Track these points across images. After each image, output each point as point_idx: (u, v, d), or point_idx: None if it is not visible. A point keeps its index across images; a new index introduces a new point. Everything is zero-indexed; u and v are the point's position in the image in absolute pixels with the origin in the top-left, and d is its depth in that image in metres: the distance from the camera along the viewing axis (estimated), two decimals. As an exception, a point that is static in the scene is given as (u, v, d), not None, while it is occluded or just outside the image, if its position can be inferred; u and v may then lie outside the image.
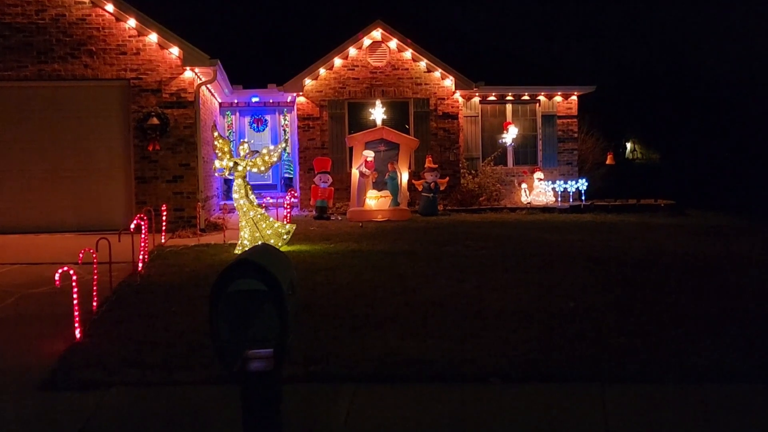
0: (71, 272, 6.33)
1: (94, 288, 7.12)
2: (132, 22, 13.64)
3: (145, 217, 9.98)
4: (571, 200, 20.16)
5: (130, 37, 13.75)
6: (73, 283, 6.31)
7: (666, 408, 4.76)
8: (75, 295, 6.29)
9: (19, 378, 5.38)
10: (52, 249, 11.51)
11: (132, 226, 9.43)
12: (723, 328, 6.46)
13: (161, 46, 13.80)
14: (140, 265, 9.47)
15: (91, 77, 13.75)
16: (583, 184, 20.14)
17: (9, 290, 8.33)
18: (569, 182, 20.26)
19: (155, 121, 13.69)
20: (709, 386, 5.10)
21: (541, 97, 21.08)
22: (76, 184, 13.85)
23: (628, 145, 37.64)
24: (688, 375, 5.32)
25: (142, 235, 9.66)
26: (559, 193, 20.24)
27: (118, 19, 13.68)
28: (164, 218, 12.56)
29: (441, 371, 5.40)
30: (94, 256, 7.16)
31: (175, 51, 13.77)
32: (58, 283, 6.36)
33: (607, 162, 23.45)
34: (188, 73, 13.92)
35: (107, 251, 7.87)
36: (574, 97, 21.28)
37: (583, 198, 20.07)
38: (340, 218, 16.89)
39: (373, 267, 9.74)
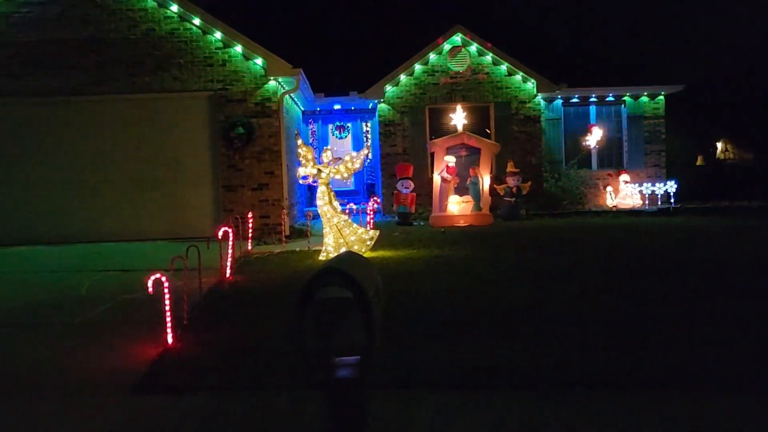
0: (163, 279, 6.48)
1: (185, 294, 7.27)
2: (218, 35, 13.97)
3: (231, 225, 10.16)
4: (659, 203, 19.56)
5: (216, 49, 14.09)
6: (165, 290, 6.45)
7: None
8: (167, 302, 6.43)
9: (113, 381, 5.52)
10: (145, 256, 11.86)
11: (220, 233, 9.60)
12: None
13: (246, 58, 14.08)
14: (228, 271, 9.64)
15: (179, 89, 14.14)
16: (672, 186, 19.48)
17: (105, 296, 8.61)
18: (657, 184, 19.64)
19: (241, 130, 13.97)
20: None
21: (627, 98, 20.54)
22: (165, 192, 14.25)
23: (719, 145, 36.19)
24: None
25: (230, 242, 9.84)
26: (647, 195, 19.67)
27: (204, 33, 14.04)
28: (250, 225, 12.79)
29: (526, 378, 5.28)
30: (184, 263, 7.31)
31: (259, 62, 14.02)
32: (151, 290, 6.52)
33: (697, 163, 22.66)
34: (272, 83, 14.15)
35: (196, 258, 8.03)
36: (661, 97, 20.63)
37: (672, 200, 19.41)
38: (422, 224, 16.86)
39: (455, 273, 9.65)
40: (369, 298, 3.24)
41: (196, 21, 13.93)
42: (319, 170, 11.16)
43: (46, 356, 6.29)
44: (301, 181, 11.72)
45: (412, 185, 17.38)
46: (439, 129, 19.20)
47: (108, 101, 14.14)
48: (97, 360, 6.09)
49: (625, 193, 19.82)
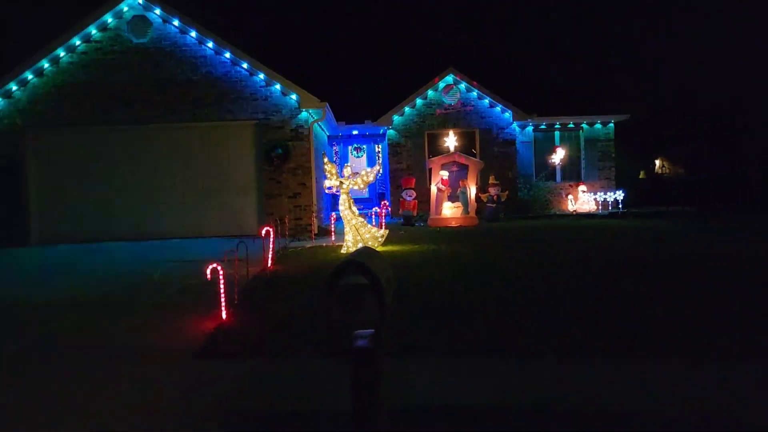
0: (219, 268, 6.50)
1: (235, 280, 7.28)
2: (262, 76, 14.00)
3: (272, 225, 10.17)
4: (610, 208, 19.46)
5: (260, 87, 14.13)
6: (220, 276, 6.47)
7: (684, 381, 4.47)
8: (222, 285, 6.45)
9: (180, 348, 5.54)
10: (204, 250, 11.90)
11: (263, 232, 9.62)
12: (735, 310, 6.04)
13: (283, 93, 14.11)
14: (269, 262, 9.65)
15: (231, 118, 14.20)
16: (620, 195, 19.41)
17: (174, 282, 8.65)
18: (608, 193, 19.58)
19: (279, 151, 14.01)
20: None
21: (584, 125, 20.46)
22: (220, 199, 14.30)
23: (657, 162, 36.00)
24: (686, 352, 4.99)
25: (270, 239, 9.85)
26: (600, 202, 19.59)
27: (251, 74, 14.08)
28: (287, 225, 12.80)
29: (506, 348, 5.25)
30: (235, 255, 7.32)
31: (294, 97, 14.05)
32: (209, 277, 6.54)
33: (640, 176, 22.55)
34: (304, 113, 14.17)
35: (245, 251, 8.05)
36: (611, 124, 20.54)
37: (620, 206, 19.32)
38: (422, 224, 16.83)
39: (449, 264, 9.62)
40: (382, 285, 3.23)
41: (245, 65, 13.97)
42: (341, 182, 11.16)
43: (128, 328, 6.31)
44: (326, 191, 11.72)
45: (414, 194, 17.37)
46: (436, 149, 19.18)
47: (176, 128, 14.22)
48: (167, 331, 6.11)
49: (583, 200, 19.74)
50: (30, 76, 13.93)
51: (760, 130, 30.21)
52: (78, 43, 13.92)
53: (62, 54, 13.93)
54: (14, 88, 13.93)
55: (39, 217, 14.09)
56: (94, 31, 13.93)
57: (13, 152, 13.99)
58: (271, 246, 9.82)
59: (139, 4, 13.93)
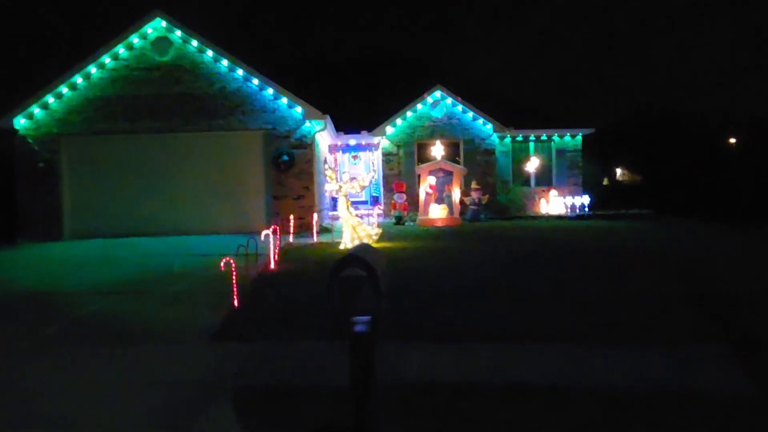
0: (231, 261, 6.50)
1: (246, 272, 7.27)
2: (270, 90, 13.98)
3: (278, 224, 10.14)
4: (577, 211, 19.53)
5: (269, 100, 14.10)
6: (232, 269, 6.48)
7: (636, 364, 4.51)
8: (234, 277, 6.45)
9: (197, 332, 5.54)
10: (219, 245, 11.84)
11: (270, 229, 9.61)
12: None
13: (289, 106, 14.09)
14: (276, 256, 9.62)
15: (243, 128, 14.16)
16: (586, 199, 19.46)
17: (192, 273, 8.63)
18: (576, 197, 19.62)
19: (285, 158, 13.98)
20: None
21: (555, 137, 20.52)
22: (232, 200, 14.25)
23: (618, 170, 36.17)
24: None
25: (277, 236, 9.83)
26: (569, 205, 19.65)
27: (261, 89, 14.05)
28: (291, 224, 12.79)
29: (487, 333, 5.28)
30: (246, 250, 7.32)
31: (298, 109, 14.04)
32: (222, 268, 6.53)
33: (603, 183, 22.64)
34: (307, 124, 14.15)
35: (255, 246, 8.04)
36: (579, 137, 20.60)
37: (586, 209, 19.40)
38: (412, 224, 16.84)
39: (435, 258, 9.64)
40: (378, 276, 3.25)
41: (255, 81, 13.95)
42: (340, 186, 11.15)
43: (151, 314, 6.31)
44: (326, 194, 11.71)
45: (405, 197, 17.40)
46: (424, 158, 19.18)
47: (194, 136, 14.17)
48: (186, 317, 6.11)
49: (554, 203, 19.81)
50: (65, 90, 13.86)
51: (697, 140, 30.48)
52: (107, 60, 13.87)
53: (93, 70, 13.86)
54: (51, 100, 13.86)
55: (72, 214, 14.01)
56: (121, 50, 13.87)
57: (50, 157, 13.91)
58: (277, 242, 9.80)
59: (162, 27, 13.88)
